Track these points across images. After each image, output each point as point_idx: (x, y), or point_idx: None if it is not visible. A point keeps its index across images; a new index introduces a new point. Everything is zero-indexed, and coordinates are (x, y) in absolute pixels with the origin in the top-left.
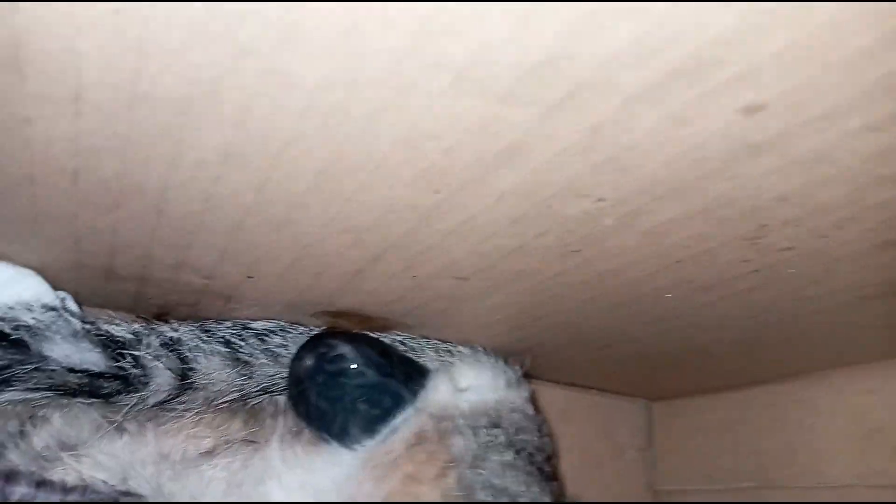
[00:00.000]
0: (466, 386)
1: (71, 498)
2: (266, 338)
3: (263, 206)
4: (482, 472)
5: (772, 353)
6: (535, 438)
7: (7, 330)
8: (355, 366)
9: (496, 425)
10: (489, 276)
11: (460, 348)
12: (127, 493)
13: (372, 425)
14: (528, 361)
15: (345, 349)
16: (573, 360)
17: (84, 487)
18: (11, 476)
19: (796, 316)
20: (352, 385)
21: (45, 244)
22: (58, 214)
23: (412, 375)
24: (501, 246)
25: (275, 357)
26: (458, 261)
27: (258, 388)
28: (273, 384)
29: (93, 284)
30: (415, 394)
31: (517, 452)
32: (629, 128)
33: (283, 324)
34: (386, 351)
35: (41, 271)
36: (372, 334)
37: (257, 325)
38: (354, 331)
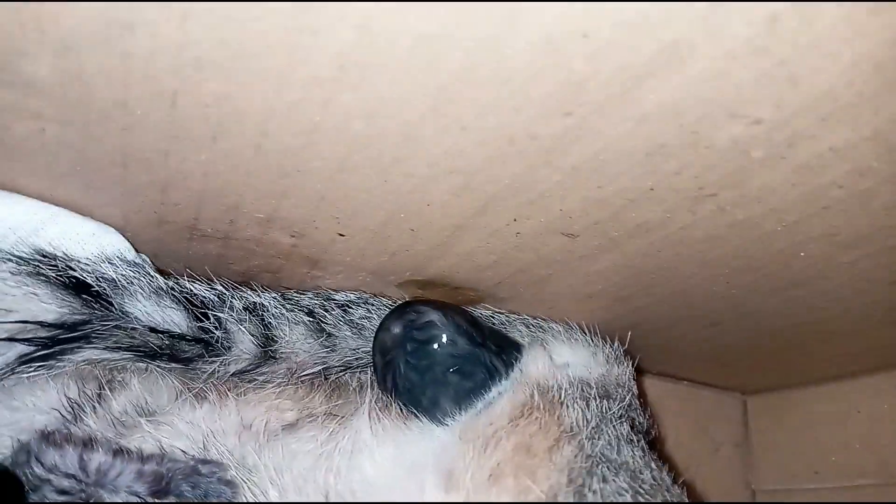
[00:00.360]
0: (564, 362)
1: (148, 466)
2: (349, 309)
3: (372, 140)
4: (599, 443)
5: None
6: (642, 417)
7: (89, 280)
8: (446, 334)
9: (606, 396)
10: (603, 231)
11: (553, 325)
12: (206, 462)
13: (463, 397)
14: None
15: (434, 316)
16: (671, 345)
17: (161, 456)
18: (88, 443)
19: None
20: (442, 354)
21: (131, 194)
22: (148, 153)
23: (505, 348)
24: (626, 190)
25: (359, 329)
26: (572, 211)
27: (340, 363)
28: (356, 359)
29: (174, 246)
30: (508, 366)
31: (632, 427)
32: (812, 18)
33: (366, 295)
34: (476, 321)
35: (123, 229)
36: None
37: (340, 296)
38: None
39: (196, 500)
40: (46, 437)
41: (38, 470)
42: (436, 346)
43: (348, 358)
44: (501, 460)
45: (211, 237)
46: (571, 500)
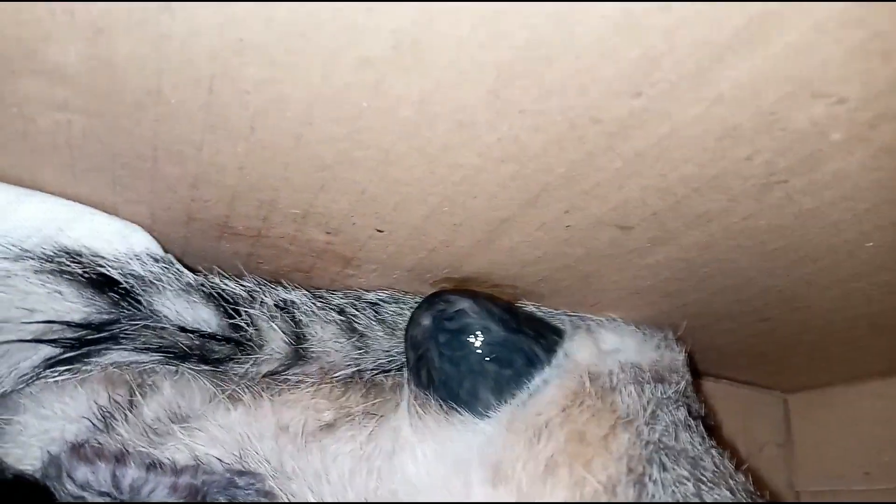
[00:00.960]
0: (613, 347)
1: (182, 480)
2: (380, 307)
3: (421, 127)
4: (657, 430)
5: None
6: (698, 404)
7: (116, 277)
8: (479, 322)
9: (662, 381)
10: (662, 221)
11: (597, 318)
12: (242, 473)
13: (504, 387)
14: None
15: (465, 304)
16: (715, 342)
17: (196, 468)
18: (121, 458)
19: None
20: (477, 343)
21: (160, 190)
22: (180, 146)
23: (544, 333)
24: (690, 177)
25: (391, 328)
26: (630, 201)
27: (374, 366)
28: (390, 360)
29: (203, 245)
30: (551, 352)
31: (690, 413)
32: None
33: (398, 294)
34: (510, 307)
35: (150, 228)
36: None
37: (371, 295)
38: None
39: None
40: (77, 451)
41: (71, 487)
42: (469, 335)
43: (381, 360)
44: (555, 451)
45: (242, 235)
46: (631, 490)
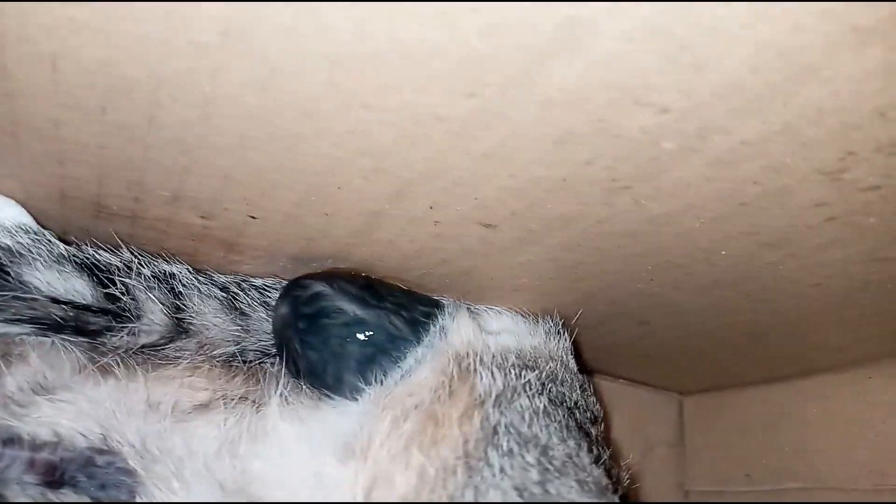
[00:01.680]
0: (497, 329)
1: (41, 456)
2: (266, 291)
3: (269, 115)
4: (506, 415)
5: (835, 335)
6: (576, 394)
7: None
8: (334, 303)
9: (528, 368)
10: (522, 222)
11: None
12: (102, 452)
13: (369, 367)
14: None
15: (319, 287)
16: (601, 342)
17: (55, 444)
18: None
19: (867, 284)
20: (335, 325)
21: (28, 165)
22: (38, 122)
23: (412, 307)
24: (539, 179)
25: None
26: (489, 200)
27: (257, 347)
28: (273, 344)
29: (81, 223)
30: (422, 328)
31: (551, 401)
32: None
33: (284, 281)
34: (369, 283)
35: (25, 203)
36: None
37: (258, 280)
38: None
39: (93, 492)
40: None
41: None
42: (327, 318)
43: (264, 342)
44: (412, 432)
45: (118, 215)
46: (461, 474)
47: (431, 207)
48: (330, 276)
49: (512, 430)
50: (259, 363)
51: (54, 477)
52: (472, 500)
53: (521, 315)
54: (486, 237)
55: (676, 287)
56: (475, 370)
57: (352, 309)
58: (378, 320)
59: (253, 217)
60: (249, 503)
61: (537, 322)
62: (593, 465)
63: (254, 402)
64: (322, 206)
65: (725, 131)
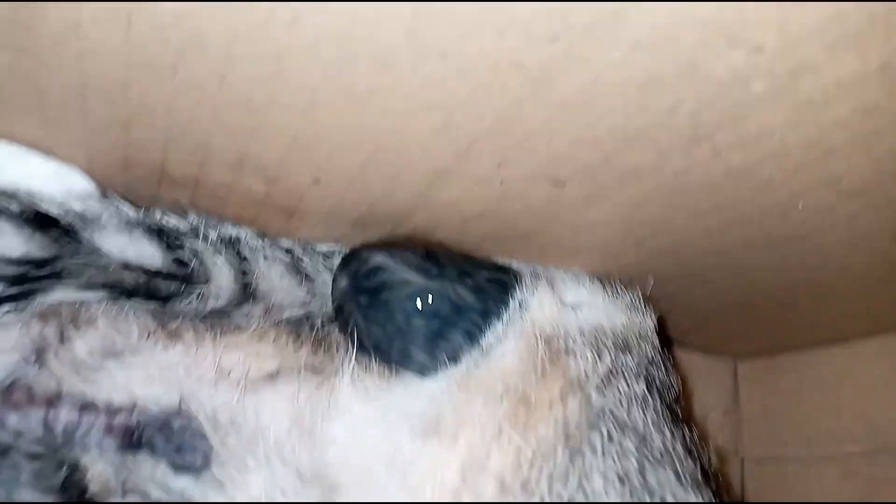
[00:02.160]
0: (575, 301)
1: (118, 420)
2: (330, 258)
3: (344, 67)
4: (607, 398)
5: None
6: (662, 373)
7: (55, 214)
8: (397, 277)
9: (623, 350)
10: (593, 177)
11: (559, 273)
12: (178, 414)
13: (438, 343)
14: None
15: (380, 259)
16: (661, 305)
17: (131, 408)
18: (53, 401)
19: None
20: (398, 299)
21: (93, 132)
22: (107, 85)
23: (480, 276)
24: (618, 129)
25: None
26: (560, 155)
27: (322, 313)
28: None
29: (143, 193)
30: (490, 296)
31: (648, 386)
32: None
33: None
34: (431, 253)
35: (88, 172)
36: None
37: (322, 246)
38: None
39: (170, 454)
40: (8, 397)
41: (3, 435)
42: (389, 292)
43: (329, 309)
44: (502, 415)
45: (179, 183)
46: (566, 459)
47: (500, 165)
48: (390, 247)
49: (611, 415)
50: (327, 332)
51: (132, 440)
52: (575, 486)
53: (601, 285)
54: (554, 195)
55: (746, 243)
56: (569, 351)
57: (415, 280)
58: (443, 291)
59: (317, 180)
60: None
61: (617, 294)
62: (688, 456)
63: (323, 373)
64: (387, 168)
65: (819, 71)
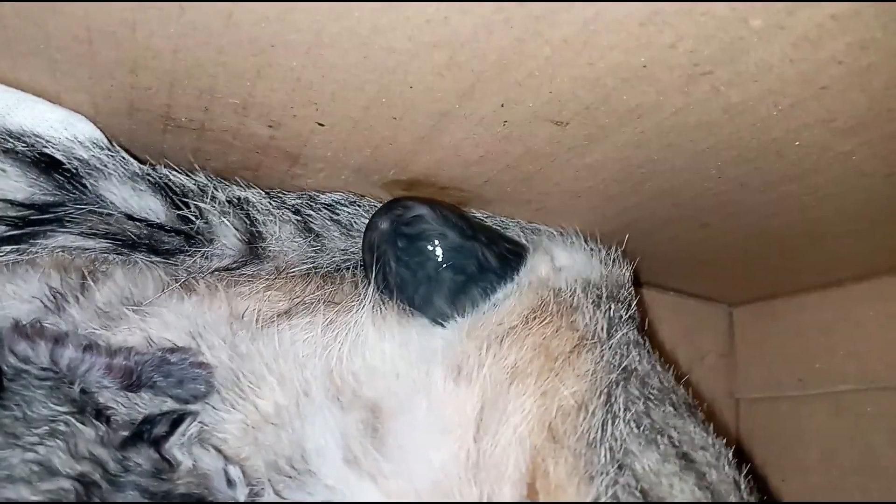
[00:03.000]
0: (563, 264)
1: (117, 361)
2: (336, 209)
3: (349, 5)
4: (614, 349)
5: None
6: (639, 316)
7: (61, 158)
8: (435, 228)
9: (614, 300)
10: (594, 117)
11: (548, 229)
12: (174, 350)
13: (458, 295)
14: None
15: (423, 210)
16: (659, 250)
17: (129, 350)
18: (60, 339)
19: None
20: (433, 249)
21: (99, 76)
22: (113, 26)
23: (503, 246)
24: (619, 66)
25: (347, 229)
26: (561, 94)
27: (329, 263)
28: (345, 259)
29: (148, 138)
30: (508, 264)
31: (636, 328)
32: None
33: (352, 196)
34: (465, 216)
35: (93, 118)
36: None
37: (325, 196)
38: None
39: (171, 390)
40: (18, 328)
41: (13, 360)
42: (426, 241)
43: (337, 259)
44: (518, 360)
45: (186, 128)
46: (601, 412)
47: (502, 105)
48: (431, 201)
49: (622, 364)
50: (335, 277)
51: (132, 380)
52: (609, 432)
53: (582, 243)
54: (555, 136)
55: (743, 184)
56: (574, 306)
57: (452, 236)
58: (473, 251)
59: (321, 124)
60: None
61: (596, 249)
62: (676, 384)
63: (333, 304)
64: (390, 110)
65: (815, 5)
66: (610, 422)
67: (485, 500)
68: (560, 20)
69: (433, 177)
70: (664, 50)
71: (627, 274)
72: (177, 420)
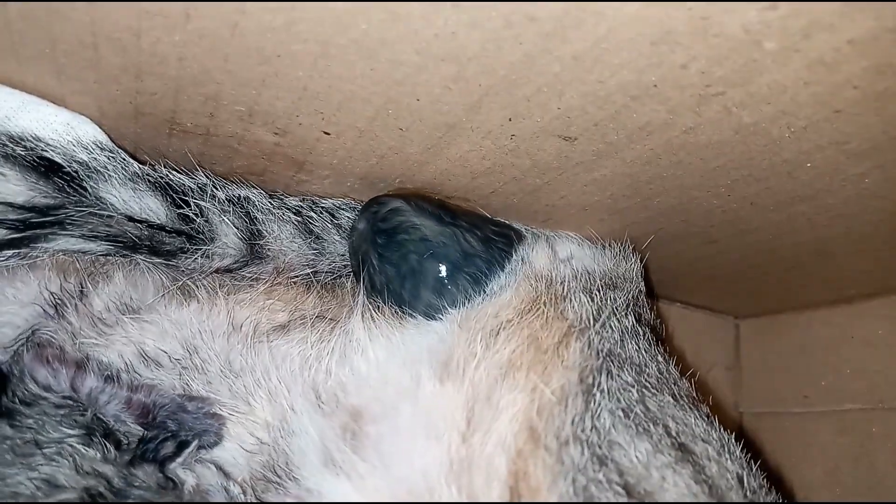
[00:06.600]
0: (568, 255)
1: (137, 397)
2: (337, 213)
3: (356, 17)
4: (606, 339)
5: None
6: (652, 315)
7: (61, 161)
8: (412, 219)
9: (612, 287)
10: (602, 133)
11: (552, 233)
12: (192, 399)
13: (446, 285)
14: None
15: (397, 203)
16: (666, 263)
17: (150, 388)
18: (81, 365)
19: None
20: (412, 241)
21: (104, 80)
22: (118, 33)
23: (487, 229)
24: (628, 84)
25: (346, 234)
26: (571, 110)
27: (330, 268)
28: (345, 266)
29: (154, 142)
30: (495, 247)
31: (638, 319)
32: None
33: (354, 202)
34: (444, 203)
35: (98, 121)
36: None
37: (327, 201)
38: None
39: (182, 435)
40: (40, 354)
41: (33, 387)
42: (404, 234)
43: (337, 264)
44: (514, 353)
45: (191, 133)
46: (580, 401)
47: (510, 119)
48: (406, 194)
49: (610, 353)
50: (335, 284)
51: (147, 419)
52: (590, 427)
53: (589, 243)
54: (563, 151)
55: (753, 203)
56: (564, 295)
57: (428, 225)
58: (455, 237)
59: (326, 133)
60: None
61: (606, 247)
62: (679, 377)
63: (331, 320)
64: (397, 121)
65: (832, 29)
66: (592, 414)
67: (468, 501)
68: (570, 37)
69: (439, 186)
70: (675, 70)
71: (636, 268)
72: (183, 443)
